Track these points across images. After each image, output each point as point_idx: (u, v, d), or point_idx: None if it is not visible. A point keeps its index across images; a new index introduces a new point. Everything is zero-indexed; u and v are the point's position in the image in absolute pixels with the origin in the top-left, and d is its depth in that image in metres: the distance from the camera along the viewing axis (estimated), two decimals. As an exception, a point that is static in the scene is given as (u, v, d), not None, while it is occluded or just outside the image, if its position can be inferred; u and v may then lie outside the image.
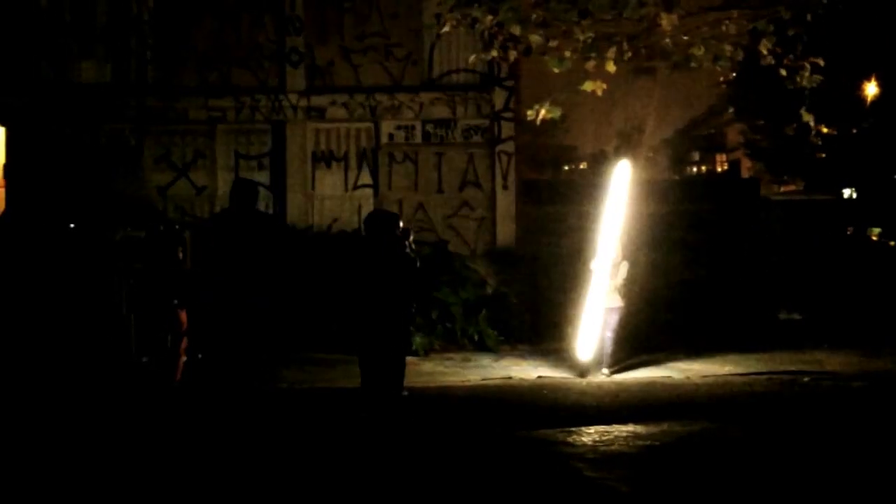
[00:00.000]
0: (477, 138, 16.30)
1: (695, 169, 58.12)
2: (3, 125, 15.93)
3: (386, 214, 10.32)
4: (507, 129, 16.24)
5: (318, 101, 16.26)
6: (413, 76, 16.37)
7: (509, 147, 16.25)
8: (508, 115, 16.20)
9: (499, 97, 16.18)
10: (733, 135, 46.22)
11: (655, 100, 36.47)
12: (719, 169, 54.83)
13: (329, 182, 16.31)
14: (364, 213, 15.71)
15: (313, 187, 16.28)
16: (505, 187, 16.26)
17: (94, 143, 15.89)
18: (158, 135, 16.12)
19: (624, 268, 12.72)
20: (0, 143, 16.02)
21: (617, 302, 12.72)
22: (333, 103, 16.23)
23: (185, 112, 16.13)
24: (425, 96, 16.23)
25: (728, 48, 9.00)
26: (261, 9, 16.17)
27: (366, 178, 16.33)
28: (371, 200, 16.22)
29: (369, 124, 16.28)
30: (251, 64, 16.21)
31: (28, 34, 15.86)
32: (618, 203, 12.77)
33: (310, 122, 16.27)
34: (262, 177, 16.04)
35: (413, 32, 16.35)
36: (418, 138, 16.28)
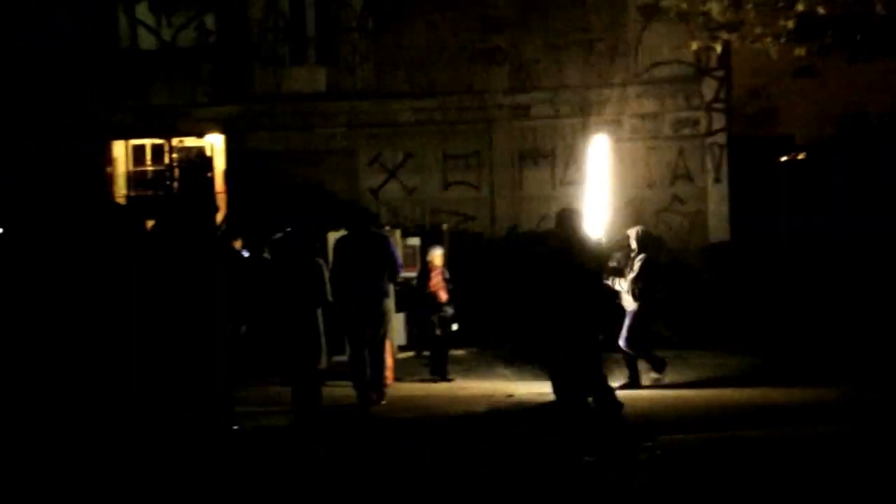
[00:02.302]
0: (686, 131, 15.92)
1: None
2: (222, 133, 16.61)
3: (574, 213, 10.10)
4: (719, 120, 15.79)
5: (523, 99, 16.25)
6: (619, 70, 16.12)
7: (721, 139, 15.80)
8: (719, 105, 15.75)
9: (708, 88, 15.75)
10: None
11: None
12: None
13: (536, 180, 16.26)
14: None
15: (521, 185, 16.28)
16: (717, 180, 15.83)
17: (307, 148, 16.35)
18: (370, 138, 16.46)
19: (639, 263, 11.56)
20: (220, 151, 16.71)
21: (630, 304, 11.61)
22: (538, 101, 16.18)
23: (395, 115, 16.41)
24: (632, 90, 15.96)
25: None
26: (465, 9, 16.26)
27: (573, 174, 16.18)
28: (579, 197, 16.04)
29: (575, 120, 16.14)
30: (456, 65, 16.33)
31: (242, 44, 16.48)
32: (600, 183, 11.82)
33: (515, 121, 16.27)
34: (471, 176, 16.16)
35: (617, 26, 16.10)
36: (626, 133, 16.03)
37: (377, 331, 10.87)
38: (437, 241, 13.75)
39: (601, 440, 8.72)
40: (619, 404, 9.52)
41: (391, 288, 11.28)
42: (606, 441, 8.71)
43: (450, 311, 12.80)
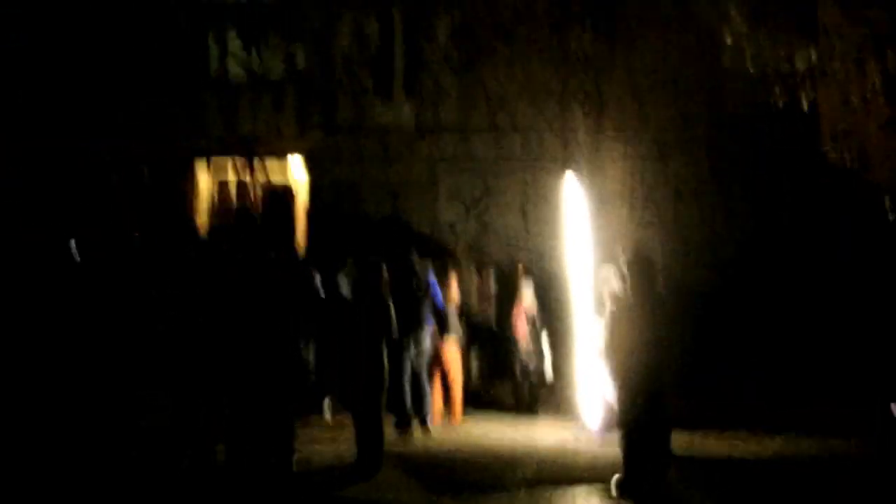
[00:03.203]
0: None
1: None
2: (304, 164, 16.79)
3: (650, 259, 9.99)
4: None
5: (603, 137, 16.22)
6: (702, 113, 16.04)
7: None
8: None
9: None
10: None
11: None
12: None
13: (613, 219, 16.16)
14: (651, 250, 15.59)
15: (600, 226, 16.17)
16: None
17: (388, 181, 16.48)
18: (450, 172, 16.53)
19: None
20: (302, 182, 16.89)
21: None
22: (618, 140, 16.15)
23: (477, 150, 16.48)
24: (714, 133, 15.89)
25: None
26: (549, 47, 16.28)
27: (650, 216, 16.12)
28: (656, 238, 15.99)
29: (656, 163, 16.08)
30: (538, 102, 16.36)
31: (328, 76, 16.68)
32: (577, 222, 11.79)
33: (595, 160, 16.21)
34: (548, 214, 16.12)
35: (705, 69, 16.01)
36: (705, 174, 15.95)
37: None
38: (510, 278, 13.87)
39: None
40: None
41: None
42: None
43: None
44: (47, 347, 10.72)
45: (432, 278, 12.71)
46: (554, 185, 16.24)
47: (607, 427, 11.61)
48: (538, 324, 13.39)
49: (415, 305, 11.90)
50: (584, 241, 15.63)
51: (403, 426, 11.75)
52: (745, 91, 15.80)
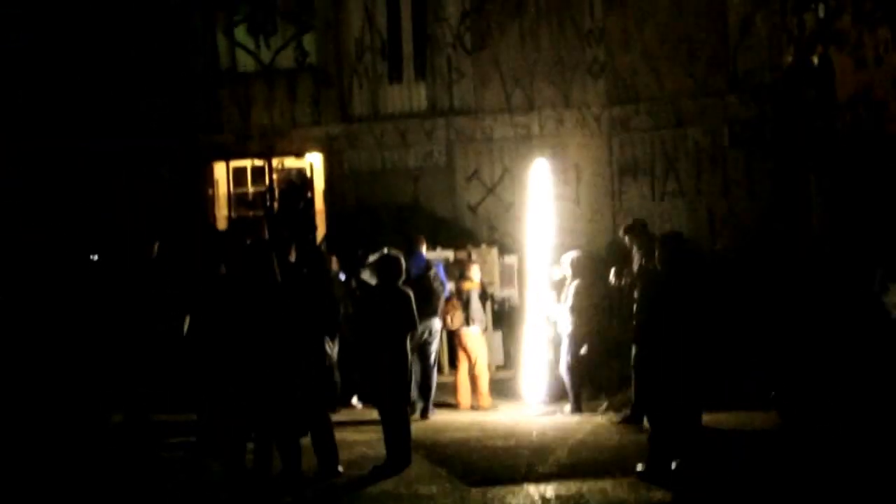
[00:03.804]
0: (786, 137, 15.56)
1: None
2: (321, 152, 16.77)
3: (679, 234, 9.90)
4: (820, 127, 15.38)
5: (620, 110, 16.10)
6: (717, 79, 15.85)
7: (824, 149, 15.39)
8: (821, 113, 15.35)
9: (809, 96, 15.36)
10: None
11: None
12: None
13: (635, 193, 16.07)
14: (673, 222, 15.46)
15: (619, 199, 16.08)
16: (820, 190, 15.43)
17: (405, 166, 16.41)
18: (468, 154, 16.44)
19: (573, 288, 11.76)
20: (319, 170, 16.86)
21: (567, 328, 11.81)
22: (636, 112, 16.01)
23: (493, 130, 16.36)
24: (731, 98, 15.69)
25: None
26: (562, 23, 16.13)
27: (672, 185, 15.98)
28: (679, 209, 15.88)
29: (674, 131, 15.93)
30: (554, 78, 16.23)
31: (340, 64, 16.60)
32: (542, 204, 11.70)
33: (613, 133, 16.10)
34: (569, 191, 16.01)
35: (715, 35, 15.82)
36: (725, 142, 15.78)
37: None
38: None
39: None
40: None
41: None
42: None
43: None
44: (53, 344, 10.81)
45: (438, 264, 12.79)
46: (573, 160, 16.20)
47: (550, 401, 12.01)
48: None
49: (427, 296, 11.84)
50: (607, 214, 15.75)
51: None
52: (758, 53, 15.64)
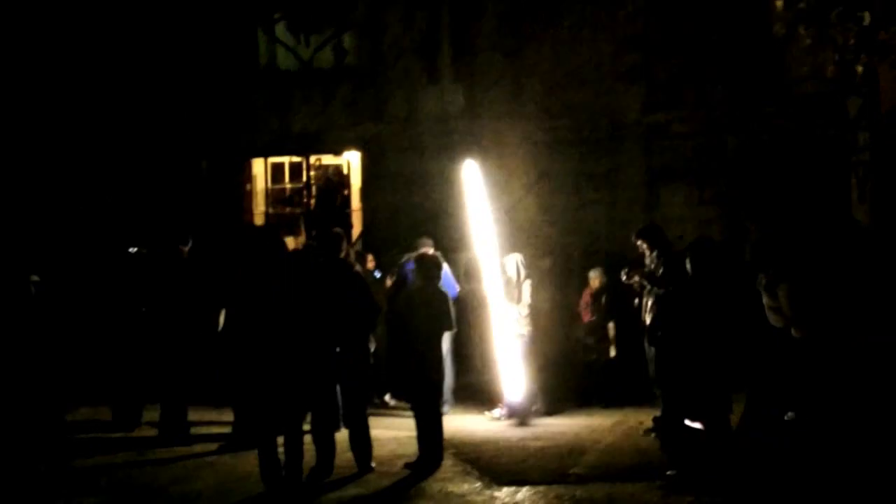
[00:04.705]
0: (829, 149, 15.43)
1: None
2: (359, 152, 16.83)
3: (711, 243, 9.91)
4: (863, 138, 15.26)
5: (659, 117, 16.03)
6: (759, 87, 15.75)
7: (865, 157, 15.27)
8: (864, 124, 15.22)
9: (853, 106, 15.24)
10: None
11: None
12: None
13: (672, 200, 15.99)
14: (711, 229, 15.37)
15: (657, 205, 16.02)
16: (862, 199, 15.30)
17: (441, 168, 16.40)
18: (503, 158, 16.38)
19: (527, 288, 11.81)
20: (356, 169, 16.94)
21: (520, 329, 11.79)
22: (675, 119, 15.94)
23: (530, 134, 16.30)
24: (770, 108, 15.59)
25: None
26: (601, 28, 16.05)
27: (711, 194, 15.90)
28: (716, 216, 15.80)
29: (713, 139, 15.85)
30: (592, 83, 16.17)
31: (378, 64, 16.65)
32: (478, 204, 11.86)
33: (652, 140, 16.05)
34: (605, 196, 15.98)
35: (759, 42, 15.71)
36: (764, 150, 15.67)
37: None
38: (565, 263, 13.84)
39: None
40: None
41: None
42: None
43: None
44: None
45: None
46: (609, 166, 16.15)
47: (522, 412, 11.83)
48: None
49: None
50: (644, 221, 15.64)
51: None
52: (801, 62, 15.50)
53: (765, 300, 9.68)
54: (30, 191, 16.00)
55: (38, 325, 10.28)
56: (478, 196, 12.36)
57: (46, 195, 16.05)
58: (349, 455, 9.64)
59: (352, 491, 9.08)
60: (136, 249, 11.42)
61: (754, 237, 10.76)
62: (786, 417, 10.04)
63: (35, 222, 15.26)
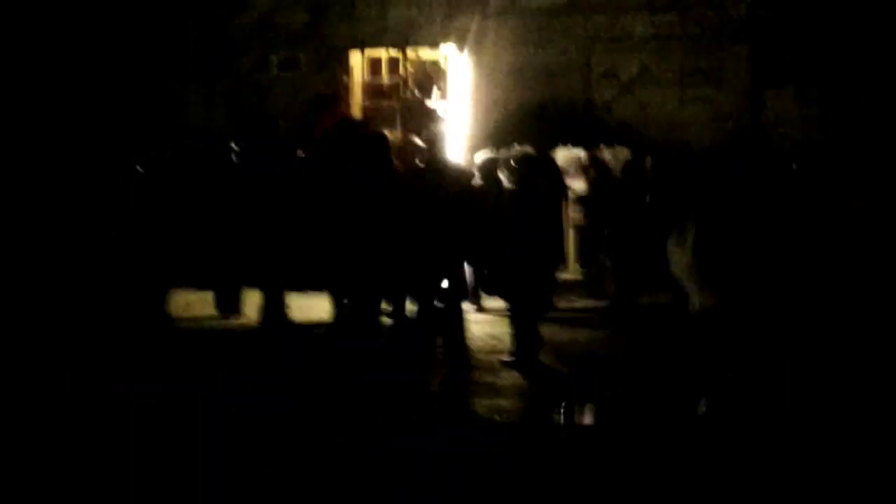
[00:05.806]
0: None
1: None
2: (457, 47, 16.64)
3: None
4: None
5: (768, 11, 15.53)
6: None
7: None
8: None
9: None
10: None
11: None
12: None
13: (778, 98, 15.58)
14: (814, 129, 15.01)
15: (764, 102, 15.62)
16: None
17: (541, 63, 16.19)
18: (605, 52, 16.11)
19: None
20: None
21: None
22: (784, 18, 15.42)
23: (632, 27, 15.98)
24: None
25: None
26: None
27: (816, 93, 15.46)
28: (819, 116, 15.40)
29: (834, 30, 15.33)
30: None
31: None
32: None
33: (760, 34, 15.59)
34: (709, 93, 15.64)
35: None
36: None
37: None
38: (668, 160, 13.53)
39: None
40: None
41: None
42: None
43: None
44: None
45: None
46: (715, 62, 15.75)
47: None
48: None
49: None
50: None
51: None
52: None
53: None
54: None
55: (142, 213, 10.48)
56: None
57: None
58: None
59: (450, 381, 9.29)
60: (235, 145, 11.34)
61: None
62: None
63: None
